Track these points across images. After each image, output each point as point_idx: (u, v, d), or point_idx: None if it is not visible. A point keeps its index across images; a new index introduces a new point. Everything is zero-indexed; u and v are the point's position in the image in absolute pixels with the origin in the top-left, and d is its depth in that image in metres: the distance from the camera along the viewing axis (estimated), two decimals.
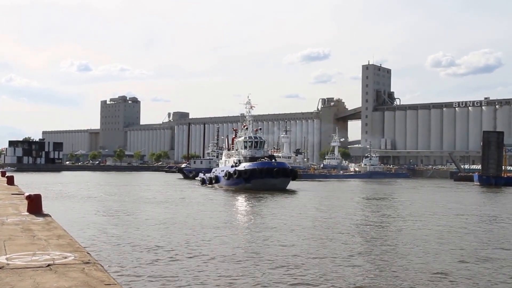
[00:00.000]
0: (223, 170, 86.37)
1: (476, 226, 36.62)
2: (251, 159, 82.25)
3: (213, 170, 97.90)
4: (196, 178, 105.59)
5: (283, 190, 76.27)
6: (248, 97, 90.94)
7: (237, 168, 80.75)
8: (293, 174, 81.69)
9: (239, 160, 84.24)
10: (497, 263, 23.06)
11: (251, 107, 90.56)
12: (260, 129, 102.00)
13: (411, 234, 31.93)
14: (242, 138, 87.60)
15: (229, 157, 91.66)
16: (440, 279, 19.90)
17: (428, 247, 26.74)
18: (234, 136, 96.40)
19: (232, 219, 40.27)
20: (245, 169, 78.85)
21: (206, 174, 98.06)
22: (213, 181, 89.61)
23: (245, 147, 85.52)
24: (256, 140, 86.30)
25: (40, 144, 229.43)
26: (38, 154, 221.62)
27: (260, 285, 18.93)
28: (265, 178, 76.73)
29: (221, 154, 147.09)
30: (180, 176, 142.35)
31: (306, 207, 50.42)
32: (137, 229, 33.38)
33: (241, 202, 57.33)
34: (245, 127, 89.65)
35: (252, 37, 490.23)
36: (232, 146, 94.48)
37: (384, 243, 28.06)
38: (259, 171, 77.17)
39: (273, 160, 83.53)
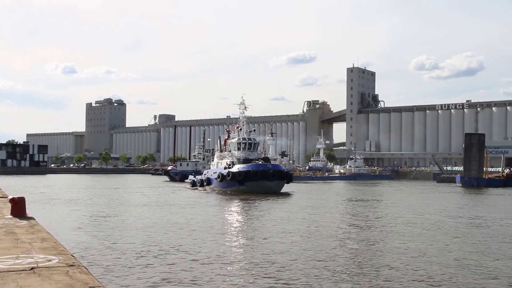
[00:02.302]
0: (216, 172, 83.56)
1: (460, 227, 37.36)
2: (245, 161, 79.65)
3: (204, 172, 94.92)
4: (185, 181, 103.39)
5: (277, 193, 74.66)
6: (242, 97, 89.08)
7: (230, 170, 78.21)
8: (288, 177, 79.94)
9: (233, 162, 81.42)
10: (481, 265, 23.56)
11: (245, 108, 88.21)
12: (254, 130, 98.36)
13: (398, 237, 32.15)
14: (236, 139, 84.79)
15: (222, 159, 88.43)
16: (426, 283, 20.12)
17: (413, 251, 26.98)
18: (226, 137, 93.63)
19: (226, 224, 39.26)
20: (239, 171, 76.38)
21: (197, 176, 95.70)
22: (205, 183, 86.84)
23: (239, 149, 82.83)
24: (250, 141, 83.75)
25: (25, 147, 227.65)
26: (22, 157, 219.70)
27: None
28: (260, 180, 74.44)
29: (207, 156, 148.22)
30: (167, 178, 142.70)
31: (303, 211, 49.58)
32: (123, 232, 33.37)
33: (237, 205, 55.96)
34: (239, 128, 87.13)
35: (239, 39, 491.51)
36: (225, 148, 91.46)
37: (371, 249, 27.88)
38: (254, 173, 74.84)
39: (268, 163, 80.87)
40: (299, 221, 40.37)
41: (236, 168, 78.26)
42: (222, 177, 79.13)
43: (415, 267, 22.84)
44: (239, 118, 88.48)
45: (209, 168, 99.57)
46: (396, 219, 42.82)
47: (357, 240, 30.87)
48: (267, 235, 32.21)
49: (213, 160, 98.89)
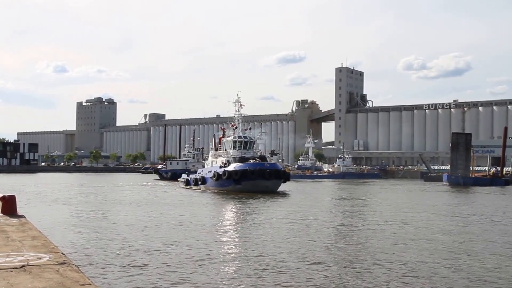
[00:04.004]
0: (211, 171, 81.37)
1: (447, 226, 38.16)
2: (241, 159, 78.05)
3: (199, 171, 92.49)
4: (179, 179, 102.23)
5: (274, 192, 73.50)
6: (237, 95, 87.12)
7: (227, 169, 76.28)
8: (285, 176, 78.76)
9: (228, 161, 79.44)
10: (467, 262, 24.21)
11: (241, 105, 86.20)
12: (250, 128, 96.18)
13: (390, 236, 32.34)
14: (231, 137, 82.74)
15: (217, 157, 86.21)
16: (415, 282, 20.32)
17: (402, 250, 27.19)
18: (222, 136, 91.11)
19: (221, 223, 39.02)
20: (236, 170, 74.57)
21: (191, 175, 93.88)
22: (199, 182, 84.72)
23: (234, 147, 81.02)
24: (246, 140, 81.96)
25: (15, 145, 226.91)
26: (13, 155, 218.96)
27: None
28: (256, 179, 72.98)
29: (197, 155, 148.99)
30: (157, 177, 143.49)
31: (302, 210, 49.34)
32: (114, 231, 33.50)
33: (234, 204, 55.08)
34: (234, 126, 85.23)
35: (229, 39, 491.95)
36: (220, 146, 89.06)
37: (360, 247, 28.09)
38: (251, 172, 73.30)
39: (264, 161, 79.51)
40: (297, 220, 40.22)
41: (232, 166, 76.26)
42: (218, 176, 77.20)
43: (405, 265, 23.31)
44: (234, 116, 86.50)
45: (203, 166, 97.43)
46: (390, 217, 43.65)
47: (354, 240, 30.97)
48: (264, 235, 32.06)
49: (207, 159, 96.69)
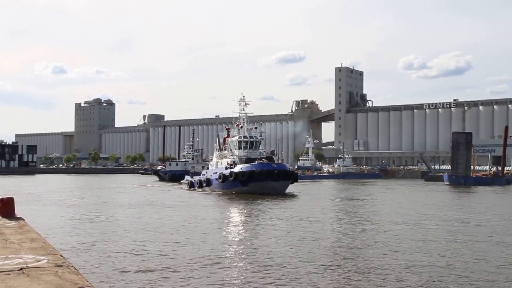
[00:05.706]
0: (216, 172, 79.46)
1: (448, 225, 38.11)
2: (247, 160, 75.88)
3: (203, 172, 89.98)
4: (181, 181, 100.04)
5: (282, 194, 71.69)
6: (242, 93, 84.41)
7: (233, 170, 74.11)
8: (293, 177, 76.40)
9: (234, 162, 77.46)
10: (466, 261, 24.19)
11: (245, 104, 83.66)
12: (256, 128, 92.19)
13: (394, 237, 32.11)
14: (236, 137, 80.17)
15: (222, 158, 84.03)
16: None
17: (402, 250, 27.19)
18: (226, 136, 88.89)
19: (227, 226, 38.35)
20: (243, 171, 72.50)
21: (195, 177, 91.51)
22: (204, 184, 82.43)
23: (240, 148, 78.63)
24: (251, 140, 79.20)
25: (14, 147, 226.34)
26: (11, 157, 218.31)
27: None
28: (264, 181, 70.86)
29: (196, 156, 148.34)
30: (156, 178, 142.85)
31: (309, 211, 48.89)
32: (113, 233, 33.31)
33: (243, 206, 53.91)
34: (239, 126, 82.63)
35: (228, 39, 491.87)
36: (225, 147, 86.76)
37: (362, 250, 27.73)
38: (259, 173, 71.13)
39: (272, 162, 77.31)
40: (303, 222, 39.80)
41: (239, 168, 74.24)
42: (223, 178, 75.02)
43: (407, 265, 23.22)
44: (239, 115, 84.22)
45: (202, 167, 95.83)
46: (393, 218, 43.41)
47: (358, 242, 30.53)
48: (271, 237, 31.67)
49: (207, 160, 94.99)
